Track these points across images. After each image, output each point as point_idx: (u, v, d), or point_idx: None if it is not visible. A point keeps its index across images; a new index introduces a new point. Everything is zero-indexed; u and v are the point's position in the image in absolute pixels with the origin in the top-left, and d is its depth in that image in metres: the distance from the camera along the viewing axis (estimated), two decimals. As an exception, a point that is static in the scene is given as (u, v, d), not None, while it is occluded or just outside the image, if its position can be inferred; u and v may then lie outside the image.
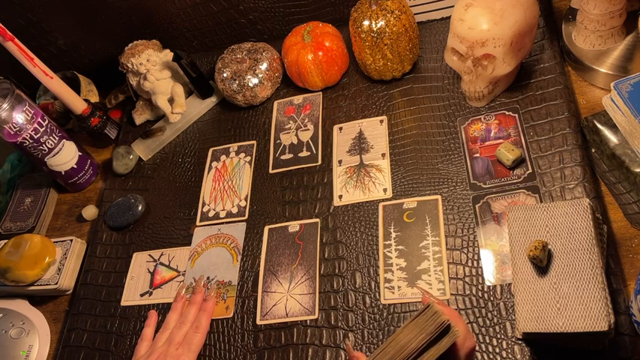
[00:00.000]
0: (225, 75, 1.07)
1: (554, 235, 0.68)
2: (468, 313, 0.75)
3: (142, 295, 0.93)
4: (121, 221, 1.01)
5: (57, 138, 1.05)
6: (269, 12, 1.13)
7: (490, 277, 0.76)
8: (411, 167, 0.90)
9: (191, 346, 0.82)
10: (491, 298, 0.75)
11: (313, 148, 0.99)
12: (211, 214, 0.98)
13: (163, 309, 0.90)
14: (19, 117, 1.00)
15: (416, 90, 0.98)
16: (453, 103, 0.94)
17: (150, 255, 0.97)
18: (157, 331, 0.87)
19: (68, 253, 1.00)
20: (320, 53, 1.00)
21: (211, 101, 1.13)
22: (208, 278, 0.90)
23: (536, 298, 0.64)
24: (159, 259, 0.96)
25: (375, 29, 0.94)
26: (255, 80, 1.06)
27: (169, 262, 0.95)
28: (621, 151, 0.76)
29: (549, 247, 0.67)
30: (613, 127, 0.78)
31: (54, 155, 1.05)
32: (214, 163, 1.04)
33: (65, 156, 1.07)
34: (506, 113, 0.89)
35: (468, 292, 0.76)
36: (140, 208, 1.02)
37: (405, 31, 0.94)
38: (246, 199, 0.97)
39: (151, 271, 0.95)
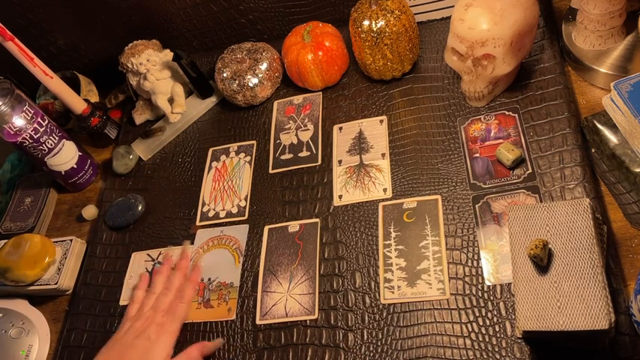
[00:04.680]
0: (225, 75, 1.07)
1: (554, 234, 0.68)
2: (468, 312, 0.75)
3: (141, 295, 0.93)
4: (121, 221, 1.01)
5: (57, 138, 1.05)
6: (269, 12, 1.13)
7: (490, 276, 0.76)
8: (411, 167, 0.90)
9: (175, 315, 0.85)
10: (491, 298, 0.75)
11: (313, 148, 0.99)
12: (211, 214, 0.98)
13: (163, 309, 0.90)
14: (18, 117, 1.00)
15: (416, 90, 0.98)
16: (453, 103, 0.94)
17: (148, 254, 0.97)
18: None
19: (68, 253, 1.00)
20: (320, 53, 1.00)
21: (211, 101, 1.13)
22: (210, 279, 0.90)
23: (537, 296, 0.64)
24: (157, 259, 0.96)
25: (375, 29, 0.94)
26: (255, 80, 1.06)
27: (169, 262, 0.95)
28: (621, 151, 0.76)
29: (550, 246, 0.67)
30: (613, 127, 0.78)
31: (54, 155, 1.05)
32: (214, 163, 1.04)
33: (65, 156, 1.07)
34: (506, 113, 0.89)
35: (467, 291, 0.76)
36: (140, 208, 1.02)
37: (405, 31, 0.94)
38: (246, 199, 0.97)
39: (150, 270, 0.95)
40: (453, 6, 0.99)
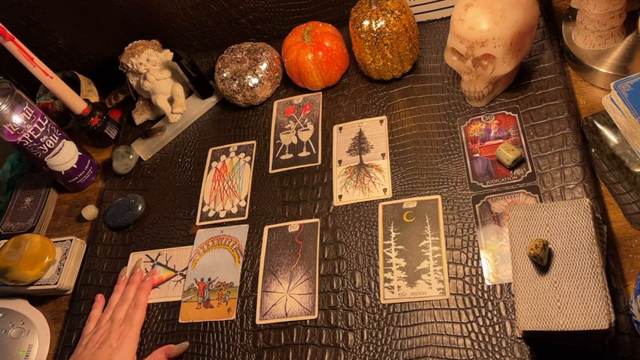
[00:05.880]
0: (225, 75, 1.07)
1: (554, 234, 0.68)
2: (468, 312, 0.75)
3: (141, 295, 0.93)
4: (121, 221, 1.01)
5: (57, 138, 1.05)
6: (269, 12, 1.13)
7: (490, 276, 0.76)
8: (410, 167, 0.90)
9: (133, 322, 0.88)
10: (491, 298, 0.75)
11: (313, 148, 0.99)
12: (211, 214, 0.98)
13: (161, 308, 0.90)
14: (18, 117, 1.00)
15: (416, 90, 0.98)
16: (453, 103, 0.94)
17: (147, 255, 0.97)
18: None
19: (68, 253, 1.00)
20: (320, 53, 1.00)
21: (211, 101, 1.13)
22: (210, 279, 0.90)
23: (537, 296, 0.64)
24: (156, 259, 0.96)
25: (375, 29, 0.94)
26: (255, 80, 1.06)
27: (167, 261, 0.95)
28: (621, 151, 0.76)
29: (550, 246, 0.67)
30: (613, 127, 0.78)
31: (54, 155, 1.05)
32: (214, 163, 1.04)
33: (65, 156, 1.07)
34: (506, 113, 0.89)
35: (467, 291, 0.76)
36: (140, 208, 1.02)
37: (405, 31, 0.94)
38: (245, 199, 0.97)
39: (148, 271, 0.95)
40: (453, 6, 0.99)
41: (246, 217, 0.95)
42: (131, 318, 0.88)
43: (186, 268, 0.93)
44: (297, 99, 1.07)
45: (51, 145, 1.04)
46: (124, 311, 0.89)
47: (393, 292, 0.79)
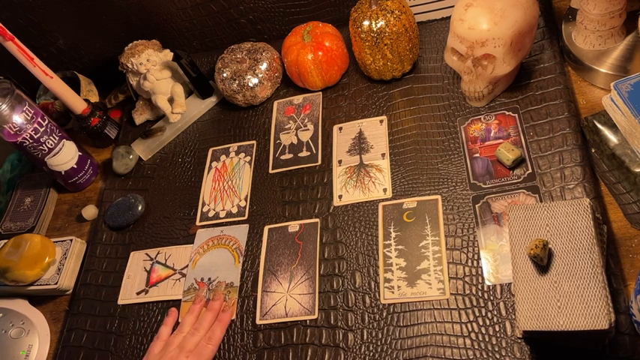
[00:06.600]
0: (225, 75, 1.07)
1: (554, 234, 0.68)
2: (468, 312, 0.75)
3: (138, 294, 0.93)
4: (121, 221, 1.01)
5: (57, 138, 1.05)
6: (269, 12, 1.13)
7: (490, 276, 0.76)
8: (410, 167, 0.90)
9: (201, 358, 0.80)
10: (491, 298, 0.75)
11: (313, 148, 0.99)
12: (211, 214, 0.98)
13: (160, 308, 0.90)
14: (18, 117, 1.00)
15: (416, 90, 0.98)
16: (453, 103, 0.94)
17: (146, 254, 0.97)
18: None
19: (68, 253, 1.00)
20: (320, 53, 1.00)
21: (211, 101, 1.13)
22: (210, 279, 0.90)
23: (537, 296, 0.64)
24: (155, 258, 0.96)
25: (375, 29, 0.94)
26: (255, 80, 1.06)
27: (165, 260, 0.95)
28: (621, 151, 0.76)
29: (550, 246, 0.67)
30: (613, 127, 0.78)
31: (54, 155, 1.05)
32: (214, 163, 1.04)
33: (65, 156, 1.07)
34: (506, 113, 0.89)
35: (467, 291, 0.76)
36: (140, 208, 1.02)
37: (405, 31, 0.94)
38: (245, 199, 0.97)
39: (148, 269, 0.95)
40: (453, 6, 0.99)
41: (246, 217, 0.95)
42: (201, 353, 0.80)
43: (186, 266, 0.93)
44: (297, 99, 1.07)
45: (51, 145, 1.04)
46: (194, 342, 0.81)
47: (393, 292, 0.79)
